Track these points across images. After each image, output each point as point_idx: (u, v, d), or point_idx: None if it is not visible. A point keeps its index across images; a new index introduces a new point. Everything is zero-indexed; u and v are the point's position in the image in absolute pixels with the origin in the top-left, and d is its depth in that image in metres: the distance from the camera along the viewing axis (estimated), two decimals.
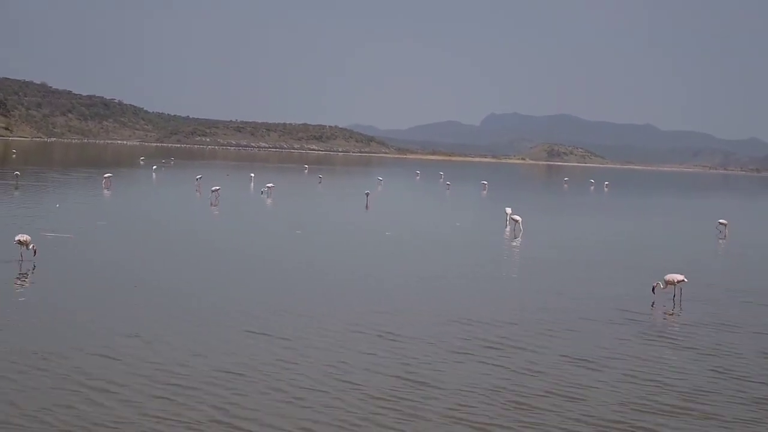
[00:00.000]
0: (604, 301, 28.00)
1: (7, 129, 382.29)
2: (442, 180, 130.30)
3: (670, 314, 26.66)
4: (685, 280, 27.91)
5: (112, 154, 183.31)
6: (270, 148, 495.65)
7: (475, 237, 47.54)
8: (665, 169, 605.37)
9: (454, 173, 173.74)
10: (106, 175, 73.61)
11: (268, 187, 74.32)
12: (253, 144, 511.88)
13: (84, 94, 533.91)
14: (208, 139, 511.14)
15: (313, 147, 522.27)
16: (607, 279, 33.27)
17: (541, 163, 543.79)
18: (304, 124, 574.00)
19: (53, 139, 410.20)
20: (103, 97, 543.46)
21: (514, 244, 45.28)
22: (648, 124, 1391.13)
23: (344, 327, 22.62)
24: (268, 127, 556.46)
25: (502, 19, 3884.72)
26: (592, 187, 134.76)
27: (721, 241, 52.14)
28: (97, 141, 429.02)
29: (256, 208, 62.25)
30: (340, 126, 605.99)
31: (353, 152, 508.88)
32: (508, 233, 49.27)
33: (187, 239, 39.95)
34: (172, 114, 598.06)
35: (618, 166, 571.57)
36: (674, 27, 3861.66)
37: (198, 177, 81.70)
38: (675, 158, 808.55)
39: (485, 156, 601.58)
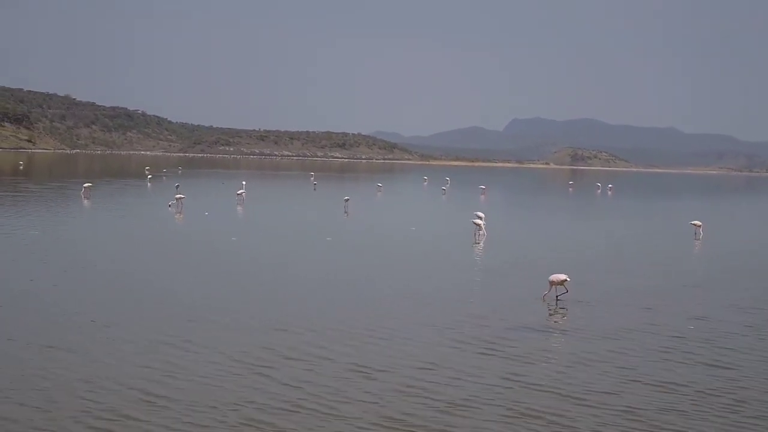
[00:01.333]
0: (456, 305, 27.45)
1: (29, 141, 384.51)
2: (447, 186, 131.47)
3: (550, 314, 26.51)
4: (568, 279, 27.84)
5: (127, 164, 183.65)
6: (293, 156, 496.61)
7: (422, 243, 46.97)
8: (689, 172, 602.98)
9: (469, 179, 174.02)
10: (85, 185, 73.72)
11: (238, 194, 74.43)
12: (276, 152, 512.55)
13: (107, 105, 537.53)
14: (231, 149, 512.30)
15: (337, 154, 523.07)
16: (511, 282, 32.84)
17: (564, 167, 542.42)
18: (327, 132, 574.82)
19: (76, 150, 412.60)
20: (126, 109, 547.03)
21: (465, 248, 45.02)
22: (671, 127, 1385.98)
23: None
24: (291, 136, 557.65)
25: (524, 25, 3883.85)
26: (599, 191, 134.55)
27: (696, 242, 51.95)
28: (121, 152, 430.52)
29: (219, 215, 61.16)
30: (364, 133, 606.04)
31: (376, 159, 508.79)
32: (481, 235, 49.15)
33: (106, 250, 38.41)
34: (196, 124, 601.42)
35: (642, 170, 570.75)
36: (696, 29, 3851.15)
37: (176, 185, 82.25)
38: (698, 161, 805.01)
39: (509, 161, 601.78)
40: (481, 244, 46.42)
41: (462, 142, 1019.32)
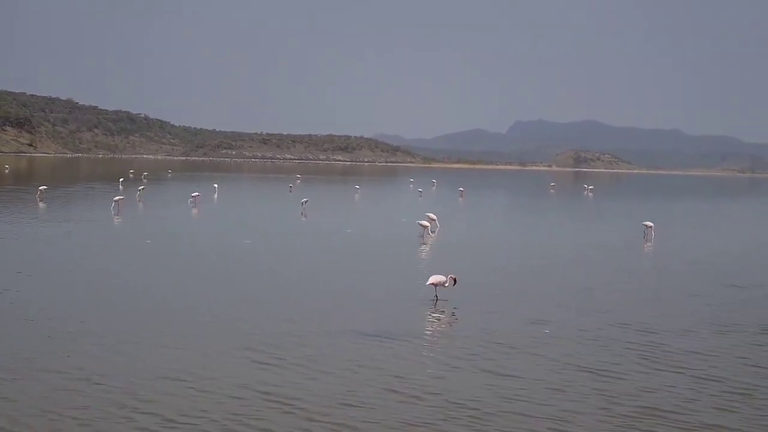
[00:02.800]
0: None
1: (30, 145, 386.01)
2: (434, 188, 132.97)
3: (433, 312, 26.39)
4: (446, 281, 27.34)
5: (119, 168, 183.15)
6: (295, 159, 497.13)
7: (346, 245, 46.39)
8: (692, 173, 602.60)
9: (461, 181, 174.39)
10: (41, 188, 73.51)
11: (193, 197, 73.95)
12: (278, 156, 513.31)
13: (110, 109, 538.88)
14: (234, 152, 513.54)
15: (339, 158, 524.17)
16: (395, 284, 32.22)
17: (567, 169, 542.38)
18: (330, 135, 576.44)
19: (78, 154, 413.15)
20: (129, 112, 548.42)
21: (390, 249, 44.77)
22: (675, 129, 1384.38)
23: None
24: (294, 139, 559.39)
25: (526, 27, 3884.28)
26: (586, 192, 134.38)
27: (647, 244, 51.59)
28: (123, 156, 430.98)
29: (167, 218, 61.56)
30: (366, 136, 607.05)
31: (379, 162, 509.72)
32: (427, 237, 49.20)
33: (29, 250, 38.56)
34: (198, 127, 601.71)
35: (645, 172, 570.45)
36: (700, 31, 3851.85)
37: (141, 188, 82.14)
38: (702, 163, 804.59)
39: (511, 163, 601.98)
40: (427, 246, 46.22)
41: (465, 144, 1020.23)
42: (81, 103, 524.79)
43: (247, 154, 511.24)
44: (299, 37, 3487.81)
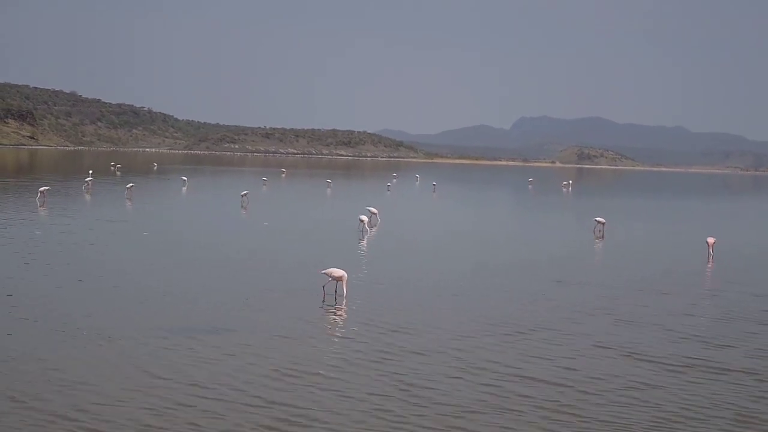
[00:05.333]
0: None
1: (32, 138, 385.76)
2: (417, 183, 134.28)
3: (333, 309, 26.64)
4: (345, 275, 27.48)
5: (105, 162, 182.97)
6: (298, 154, 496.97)
7: (254, 238, 46.78)
8: (695, 170, 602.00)
9: (453, 176, 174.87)
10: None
11: (128, 188, 74.19)
12: (281, 150, 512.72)
13: (113, 102, 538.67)
14: (236, 146, 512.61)
15: (342, 152, 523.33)
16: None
17: (570, 166, 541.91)
18: (333, 130, 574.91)
19: (81, 147, 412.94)
20: (132, 105, 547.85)
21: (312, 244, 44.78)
22: (679, 126, 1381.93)
23: None
24: (297, 133, 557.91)
25: (530, 23, 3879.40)
26: (565, 189, 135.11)
27: (597, 240, 52.15)
28: (126, 149, 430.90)
29: (92, 209, 62.03)
30: (370, 131, 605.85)
31: (381, 157, 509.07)
32: (365, 232, 49.27)
33: None
34: (202, 121, 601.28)
35: (648, 169, 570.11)
36: (704, 28, 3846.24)
37: (88, 180, 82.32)
38: (706, 160, 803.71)
39: (514, 159, 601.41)
40: (364, 240, 46.45)
41: (469, 140, 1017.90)
42: (84, 96, 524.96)
43: (249, 148, 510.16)
44: (304, 32, 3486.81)
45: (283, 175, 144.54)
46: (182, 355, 20.29)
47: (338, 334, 23.41)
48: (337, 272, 27.60)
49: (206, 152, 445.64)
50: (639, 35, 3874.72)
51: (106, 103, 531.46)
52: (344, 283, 27.55)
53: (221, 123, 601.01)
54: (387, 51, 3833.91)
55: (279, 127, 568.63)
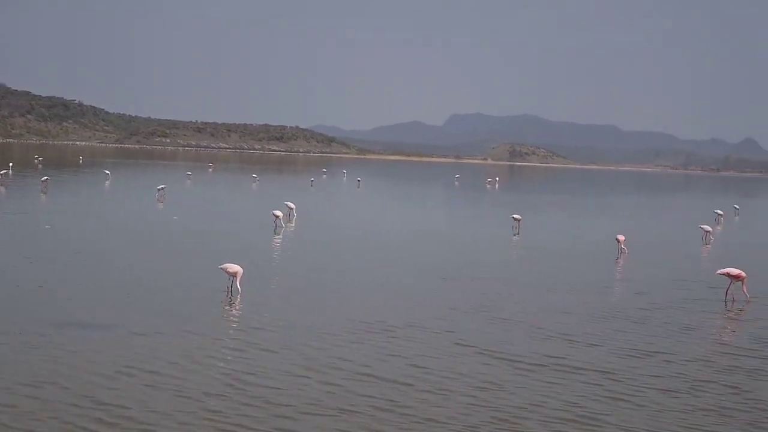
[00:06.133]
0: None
1: None
2: (344, 179, 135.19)
3: (228, 303, 26.61)
4: (240, 271, 27.34)
5: (31, 154, 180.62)
6: (230, 149, 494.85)
7: (159, 231, 46.78)
8: (626, 169, 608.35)
9: (391, 172, 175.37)
10: None
11: (42, 181, 74.05)
12: (213, 145, 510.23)
13: (44, 95, 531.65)
14: (168, 140, 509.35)
15: (274, 148, 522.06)
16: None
17: (501, 163, 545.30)
18: (265, 125, 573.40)
19: (10, 140, 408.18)
20: (63, 98, 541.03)
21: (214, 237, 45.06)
22: (611, 124, 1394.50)
23: None
24: (229, 128, 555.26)
25: (462, 19, 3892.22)
26: (488, 185, 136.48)
27: (515, 237, 52.42)
28: (56, 142, 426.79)
29: (2, 202, 61.70)
30: (303, 126, 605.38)
31: (314, 153, 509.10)
32: (283, 226, 49.84)
33: None
34: (133, 115, 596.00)
35: (579, 167, 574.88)
36: (635, 27, 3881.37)
37: (2, 172, 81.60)
38: (638, 158, 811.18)
39: (447, 156, 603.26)
40: (279, 236, 46.57)
41: (402, 136, 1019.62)
42: (14, 88, 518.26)
43: (181, 142, 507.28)
44: (236, 25, 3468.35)
45: (210, 170, 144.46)
46: (26, 350, 19.94)
47: (196, 331, 22.67)
48: (233, 268, 27.43)
49: (137, 146, 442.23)
50: (570, 33, 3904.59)
51: (36, 96, 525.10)
52: (238, 278, 27.32)
53: (153, 117, 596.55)
54: (320, 46, 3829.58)
55: (211, 121, 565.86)
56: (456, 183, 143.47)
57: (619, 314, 27.41)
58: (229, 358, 20.24)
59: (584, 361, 21.08)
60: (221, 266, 27.84)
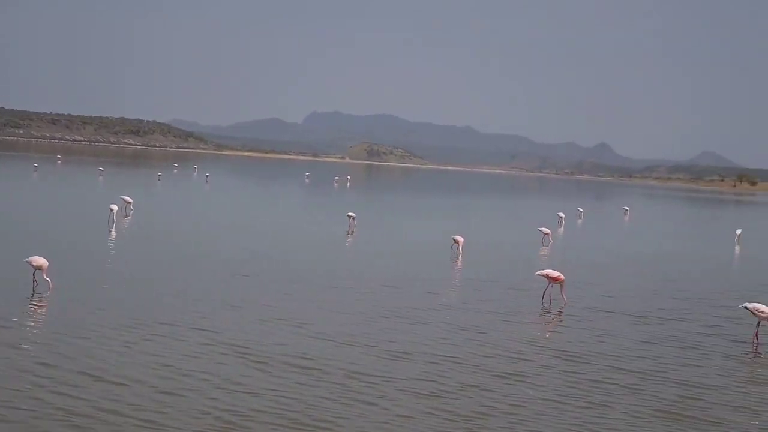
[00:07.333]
0: None
1: None
2: (194, 174, 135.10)
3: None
4: (45, 264, 26.68)
5: None
6: (85, 141, 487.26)
7: None
8: (483, 170, 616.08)
9: (245, 169, 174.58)
10: None
11: None
12: (68, 137, 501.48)
13: None
14: (21, 131, 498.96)
15: (130, 141, 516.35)
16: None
17: (359, 162, 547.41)
18: (121, 118, 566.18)
19: None
20: None
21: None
22: (468, 126, 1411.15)
23: None
24: (84, 120, 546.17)
25: (321, 16, 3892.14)
26: (344, 184, 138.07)
27: (348, 236, 52.50)
28: None
29: None
30: (160, 121, 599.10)
31: (171, 147, 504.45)
32: (111, 222, 48.42)
33: None
34: None
35: (435, 167, 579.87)
36: (491, 30, 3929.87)
37: None
38: (494, 160, 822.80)
39: (305, 154, 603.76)
40: (113, 231, 45.51)
41: (261, 133, 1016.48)
42: None
43: (35, 133, 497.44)
44: (93, 15, 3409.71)
45: (59, 162, 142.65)
46: None
47: None
48: (38, 260, 26.75)
49: None
50: (430, 35, 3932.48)
51: None
52: (44, 272, 26.65)
53: (5, 107, 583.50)
54: (180, 40, 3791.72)
55: (66, 113, 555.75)
56: (306, 181, 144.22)
57: (390, 314, 26.88)
58: None
59: (334, 360, 20.75)
60: (26, 259, 27.12)
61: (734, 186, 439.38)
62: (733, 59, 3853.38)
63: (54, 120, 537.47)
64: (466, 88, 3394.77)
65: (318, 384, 18.66)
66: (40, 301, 25.51)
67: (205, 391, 17.64)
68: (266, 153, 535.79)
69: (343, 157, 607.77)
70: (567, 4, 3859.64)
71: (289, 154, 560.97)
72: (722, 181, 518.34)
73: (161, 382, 18.09)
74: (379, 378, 19.41)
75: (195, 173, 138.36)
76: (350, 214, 57.05)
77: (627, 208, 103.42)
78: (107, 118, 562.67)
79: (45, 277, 26.71)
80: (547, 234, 56.09)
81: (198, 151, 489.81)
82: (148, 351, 20.47)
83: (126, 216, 52.46)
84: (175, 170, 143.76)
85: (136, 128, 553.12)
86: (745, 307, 26.16)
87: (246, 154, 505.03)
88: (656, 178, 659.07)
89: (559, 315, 29.13)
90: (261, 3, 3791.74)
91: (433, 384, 19.20)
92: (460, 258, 42.77)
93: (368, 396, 18.07)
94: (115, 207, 49.95)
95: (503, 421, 17.16)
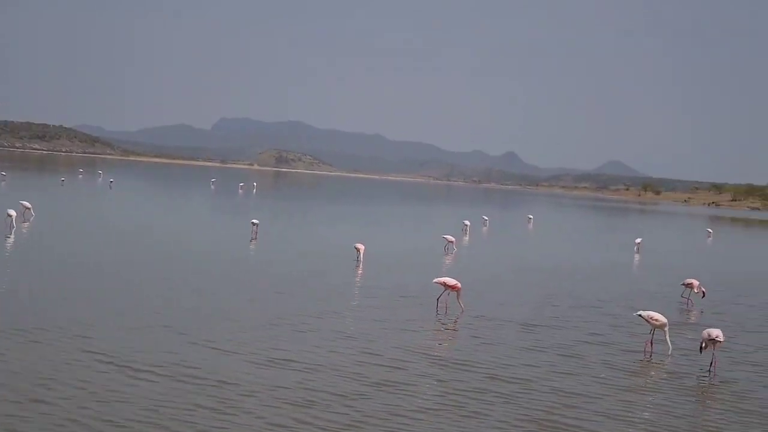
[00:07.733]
0: None
1: None
2: (100, 179, 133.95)
3: None
4: None
5: None
6: None
7: None
8: (392, 178, 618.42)
9: (152, 174, 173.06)
10: None
11: None
12: None
13: None
14: None
15: (36, 146, 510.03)
16: None
17: (268, 169, 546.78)
18: (27, 122, 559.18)
19: None
20: None
21: None
22: (377, 134, 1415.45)
23: None
24: None
25: (231, 22, 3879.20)
26: (240, 191, 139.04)
27: (251, 242, 52.43)
28: None
29: None
30: (66, 125, 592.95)
31: (77, 152, 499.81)
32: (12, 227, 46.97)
33: None
34: None
35: (344, 174, 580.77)
36: (401, 38, 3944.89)
37: None
38: (403, 168, 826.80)
39: (213, 160, 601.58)
40: (11, 236, 44.50)
41: (170, 139, 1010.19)
42: None
43: None
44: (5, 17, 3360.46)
45: None
46: None
47: None
48: None
49: None
50: (340, 42, 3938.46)
51: None
52: None
53: None
54: (86, 44, 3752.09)
55: None
56: (212, 187, 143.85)
57: (280, 321, 26.69)
58: None
59: (212, 368, 20.53)
60: None
61: (639, 195, 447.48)
62: (638, 70, 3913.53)
63: None
64: (375, 95, 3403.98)
65: (193, 392, 18.42)
66: None
67: (77, 400, 17.34)
68: (174, 159, 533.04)
69: (251, 164, 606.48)
70: (424, 18, 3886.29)
71: (198, 161, 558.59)
72: (627, 190, 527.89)
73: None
74: (256, 386, 19.23)
75: (100, 179, 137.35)
76: (254, 221, 56.55)
77: (531, 216, 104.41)
78: (12, 122, 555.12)
79: None
80: (452, 242, 56.15)
81: (105, 156, 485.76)
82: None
83: (25, 221, 51.74)
84: (80, 175, 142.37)
85: (42, 133, 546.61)
86: (640, 315, 26.61)
87: (154, 159, 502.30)
88: (563, 187, 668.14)
89: (453, 323, 29.11)
90: (167, 7, 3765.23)
91: (310, 393, 19.08)
92: (360, 265, 42.80)
93: (242, 404, 17.89)
94: (13, 212, 49.09)
95: (377, 430, 17.16)
